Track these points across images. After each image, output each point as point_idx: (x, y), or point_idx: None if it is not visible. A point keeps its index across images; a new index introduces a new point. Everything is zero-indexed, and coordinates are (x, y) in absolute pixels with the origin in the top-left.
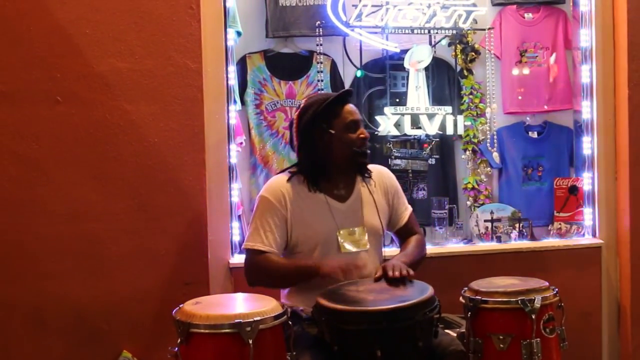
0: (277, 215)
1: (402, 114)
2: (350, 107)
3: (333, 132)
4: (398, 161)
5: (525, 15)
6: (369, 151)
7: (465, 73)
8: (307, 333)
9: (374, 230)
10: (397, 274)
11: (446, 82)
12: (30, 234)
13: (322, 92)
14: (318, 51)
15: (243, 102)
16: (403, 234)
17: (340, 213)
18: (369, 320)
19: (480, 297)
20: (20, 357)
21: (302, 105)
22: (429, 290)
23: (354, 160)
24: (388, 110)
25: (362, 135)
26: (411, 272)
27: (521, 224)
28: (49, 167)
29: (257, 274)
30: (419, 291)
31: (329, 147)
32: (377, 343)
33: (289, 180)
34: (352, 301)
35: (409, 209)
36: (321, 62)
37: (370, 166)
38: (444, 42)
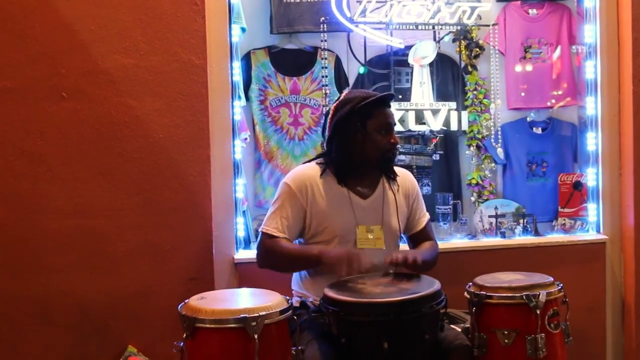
0: (296, 205)
1: (407, 110)
2: (388, 110)
3: (366, 131)
4: (402, 157)
5: (530, 11)
6: (396, 156)
7: (470, 69)
8: (314, 324)
9: (392, 231)
10: (400, 256)
11: (450, 78)
12: (36, 230)
13: (363, 90)
14: (322, 47)
15: (247, 98)
16: (418, 240)
17: (360, 209)
18: (376, 312)
19: (485, 293)
20: (25, 351)
21: (341, 98)
22: (436, 284)
23: (380, 162)
24: (392, 105)
25: (392, 141)
26: (419, 259)
27: (525, 220)
28: (54, 163)
29: (266, 257)
30: (427, 284)
31: (359, 145)
32: (384, 335)
33: (315, 171)
34: (359, 293)
35: (427, 216)
36: (325, 58)
37: (396, 169)
38: (447, 38)
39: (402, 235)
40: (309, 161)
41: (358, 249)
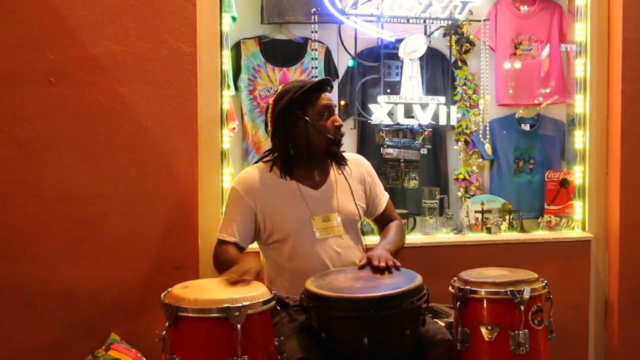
0: (245, 208)
1: (396, 103)
2: (325, 94)
3: (308, 119)
4: (390, 150)
5: (521, 7)
6: (342, 138)
7: (460, 64)
8: (294, 319)
9: (350, 217)
10: (382, 264)
11: (440, 72)
12: (20, 215)
13: (299, 79)
14: (313, 38)
15: (236, 88)
16: (382, 221)
17: (313, 200)
18: (356, 308)
19: (469, 287)
20: (7, 339)
21: (278, 91)
22: (418, 279)
23: (327, 148)
24: (382, 99)
25: (336, 123)
26: (397, 263)
27: (511, 216)
28: (41, 149)
29: (215, 264)
30: (408, 279)
31: (303, 134)
32: (364, 330)
33: (261, 170)
34: (340, 288)
35: (386, 195)
36: (316, 50)
37: (346, 154)
38: (437, 33)
39: (366, 220)
40: (257, 161)
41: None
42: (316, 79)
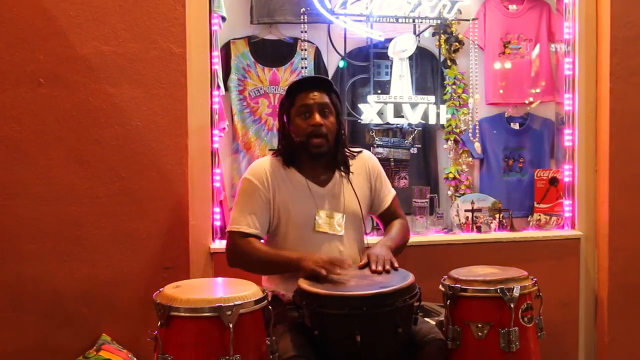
0: (261, 198)
1: (385, 103)
2: (311, 93)
3: (290, 119)
4: (380, 149)
5: (510, 6)
6: (318, 140)
7: (449, 63)
8: (287, 317)
9: (354, 216)
10: (380, 268)
11: (429, 71)
12: (10, 216)
13: (305, 77)
14: (302, 38)
15: (226, 88)
16: (386, 218)
17: (320, 196)
18: (349, 305)
19: (459, 285)
20: None
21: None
22: (410, 278)
23: (307, 148)
24: (371, 98)
25: (311, 122)
26: (395, 264)
27: (501, 215)
28: (31, 149)
29: (239, 258)
30: (400, 278)
31: (288, 134)
32: (357, 328)
33: (272, 162)
34: (333, 286)
35: (392, 192)
36: (305, 49)
37: (352, 149)
38: (426, 33)
39: (369, 218)
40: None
41: (335, 253)
42: (302, 77)
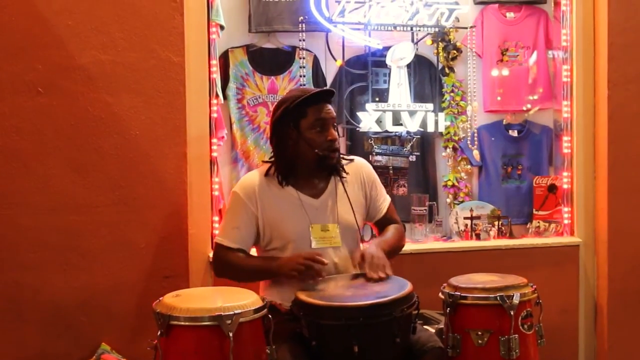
0: (247, 213)
1: (384, 111)
2: (324, 106)
3: (299, 131)
4: (379, 157)
5: (507, 14)
6: (336, 152)
7: (447, 71)
8: (285, 327)
9: (349, 227)
10: (375, 276)
11: (428, 79)
12: (9, 225)
13: (303, 86)
14: (300, 47)
15: (225, 97)
16: (383, 225)
17: (313, 209)
18: (347, 316)
19: (459, 293)
20: None
21: (279, 99)
22: (408, 287)
23: (318, 162)
24: (370, 106)
25: (329, 137)
26: (389, 272)
27: (500, 222)
28: (29, 159)
29: (223, 269)
30: (398, 287)
31: (293, 146)
32: (354, 339)
33: (262, 176)
34: (330, 296)
35: (388, 199)
36: (303, 58)
37: (346, 158)
38: (427, 41)
39: (366, 223)
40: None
41: (316, 250)
42: (315, 90)
